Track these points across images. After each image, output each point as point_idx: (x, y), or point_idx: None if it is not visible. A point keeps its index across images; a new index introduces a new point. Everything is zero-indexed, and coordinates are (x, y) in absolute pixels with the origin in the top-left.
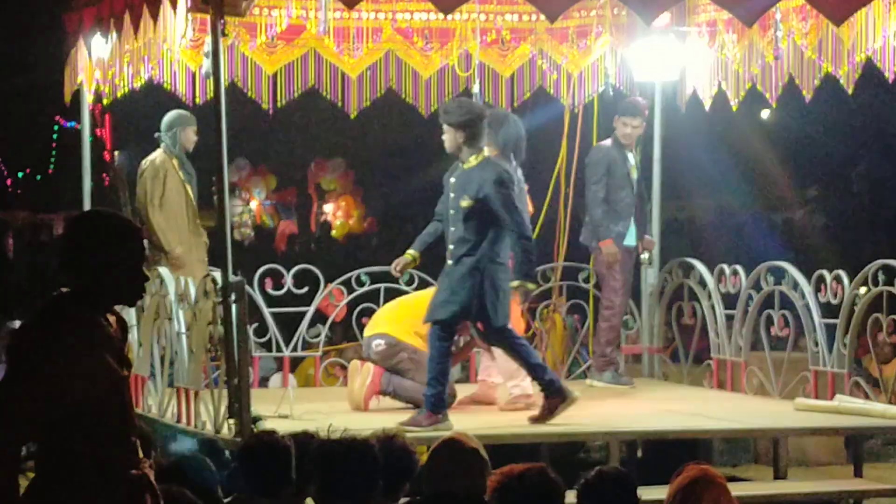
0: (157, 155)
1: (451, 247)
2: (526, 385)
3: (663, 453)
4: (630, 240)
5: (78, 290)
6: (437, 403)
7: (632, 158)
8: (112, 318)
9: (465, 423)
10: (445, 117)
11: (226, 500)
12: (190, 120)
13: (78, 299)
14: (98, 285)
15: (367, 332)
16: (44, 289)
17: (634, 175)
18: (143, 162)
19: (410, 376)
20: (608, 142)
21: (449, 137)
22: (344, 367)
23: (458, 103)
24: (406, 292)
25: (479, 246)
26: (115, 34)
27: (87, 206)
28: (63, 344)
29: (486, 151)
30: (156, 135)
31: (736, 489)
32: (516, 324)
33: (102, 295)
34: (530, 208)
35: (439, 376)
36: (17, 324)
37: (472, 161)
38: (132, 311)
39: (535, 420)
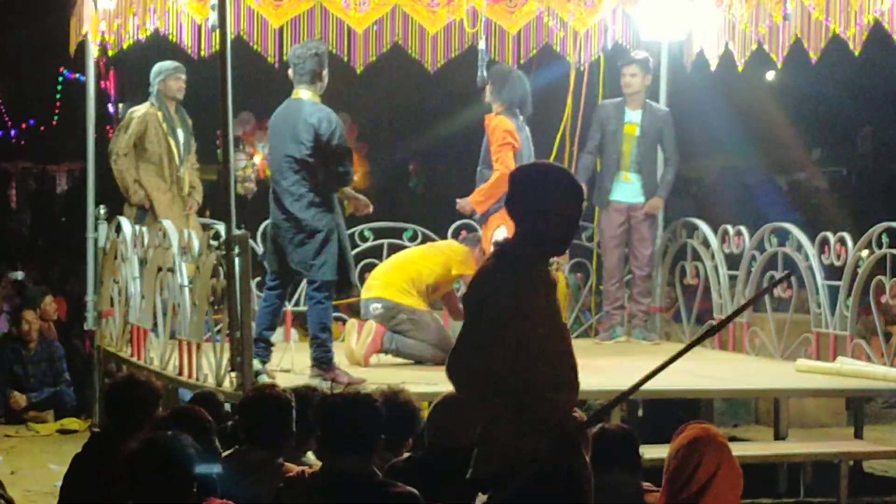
0: (142, 107)
1: None
2: None
3: (664, 413)
4: (622, 196)
5: (523, 236)
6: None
7: (632, 115)
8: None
9: None
10: None
11: (225, 453)
12: (171, 69)
13: (524, 244)
14: (539, 232)
15: (363, 295)
16: (46, 239)
17: (634, 132)
18: (129, 112)
19: (411, 336)
20: (617, 99)
21: None
22: (345, 322)
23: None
24: (409, 248)
25: None
26: None
27: (90, 158)
28: (519, 285)
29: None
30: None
31: (736, 449)
32: None
33: (543, 242)
34: None
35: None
36: (19, 274)
37: None
38: (136, 262)
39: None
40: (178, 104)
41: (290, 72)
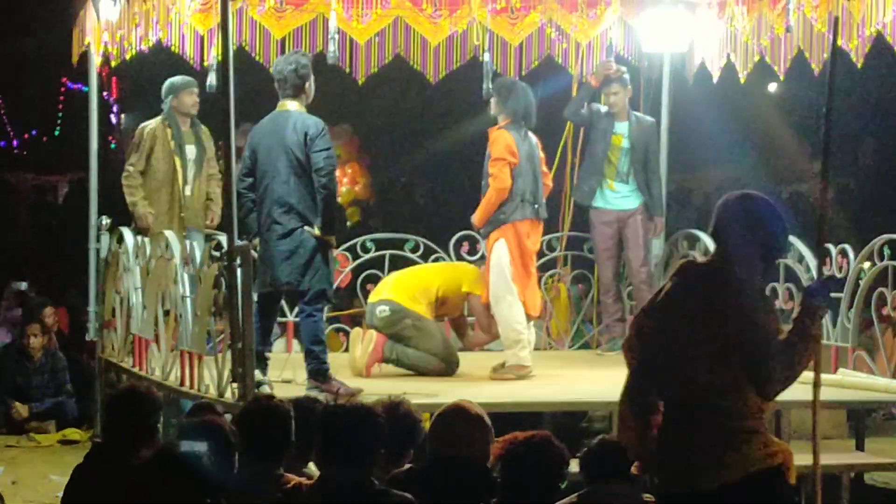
0: (151, 122)
1: None
2: (523, 356)
3: None
4: (609, 203)
5: (721, 257)
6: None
7: (620, 127)
8: None
9: (466, 391)
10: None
11: None
12: (183, 84)
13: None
14: (730, 258)
15: (371, 299)
16: (49, 250)
17: (620, 143)
18: (139, 128)
19: (413, 344)
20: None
21: None
22: (347, 334)
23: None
24: (410, 259)
25: None
26: None
27: (93, 168)
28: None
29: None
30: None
31: None
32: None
33: (742, 262)
34: (548, 181)
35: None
36: (23, 285)
37: None
38: (137, 273)
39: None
40: (193, 119)
41: (275, 84)
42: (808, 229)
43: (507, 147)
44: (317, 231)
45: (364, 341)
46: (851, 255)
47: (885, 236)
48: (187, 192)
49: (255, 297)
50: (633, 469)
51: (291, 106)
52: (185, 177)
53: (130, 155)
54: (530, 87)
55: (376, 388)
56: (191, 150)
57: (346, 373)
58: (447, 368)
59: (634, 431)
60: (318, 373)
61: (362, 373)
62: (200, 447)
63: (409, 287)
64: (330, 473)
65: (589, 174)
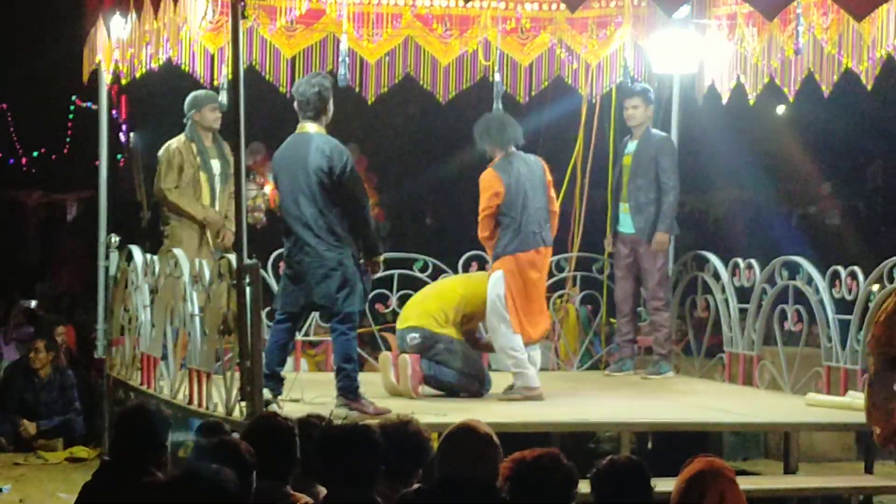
0: (175, 140)
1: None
2: (530, 376)
3: (674, 445)
4: (622, 227)
5: None
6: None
7: (631, 146)
8: None
9: (475, 411)
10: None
11: None
12: (204, 99)
13: None
14: None
15: (399, 325)
16: (57, 268)
17: (629, 163)
18: (164, 147)
19: (449, 367)
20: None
21: None
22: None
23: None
24: (420, 278)
25: None
26: (134, 14)
27: (102, 186)
28: None
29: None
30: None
31: (745, 483)
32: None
33: None
34: (555, 207)
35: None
36: (32, 303)
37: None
38: (146, 291)
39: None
40: (215, 134)
41: (295, 105)
42: (818, 251)
43: (489, 193)
44: (363, 259)
45: (400, 368)
46: (861, 277)
47: (895, 259)
48: (216, 207)
49: (266, 317)
50: (876, 440)
51: (311, 128)
52: (213, 192)
53: (165, 176)
54: (540, 107)
55: (403, 408)
56: (215, 165)
57: (380, 394)
58: (480, 388)
59: (883, 415)
60: (348, 390)
61: (412, 396)
62: (222, 468)
63: (435, 311)
64: (335, 493)
65: (616, 200)
